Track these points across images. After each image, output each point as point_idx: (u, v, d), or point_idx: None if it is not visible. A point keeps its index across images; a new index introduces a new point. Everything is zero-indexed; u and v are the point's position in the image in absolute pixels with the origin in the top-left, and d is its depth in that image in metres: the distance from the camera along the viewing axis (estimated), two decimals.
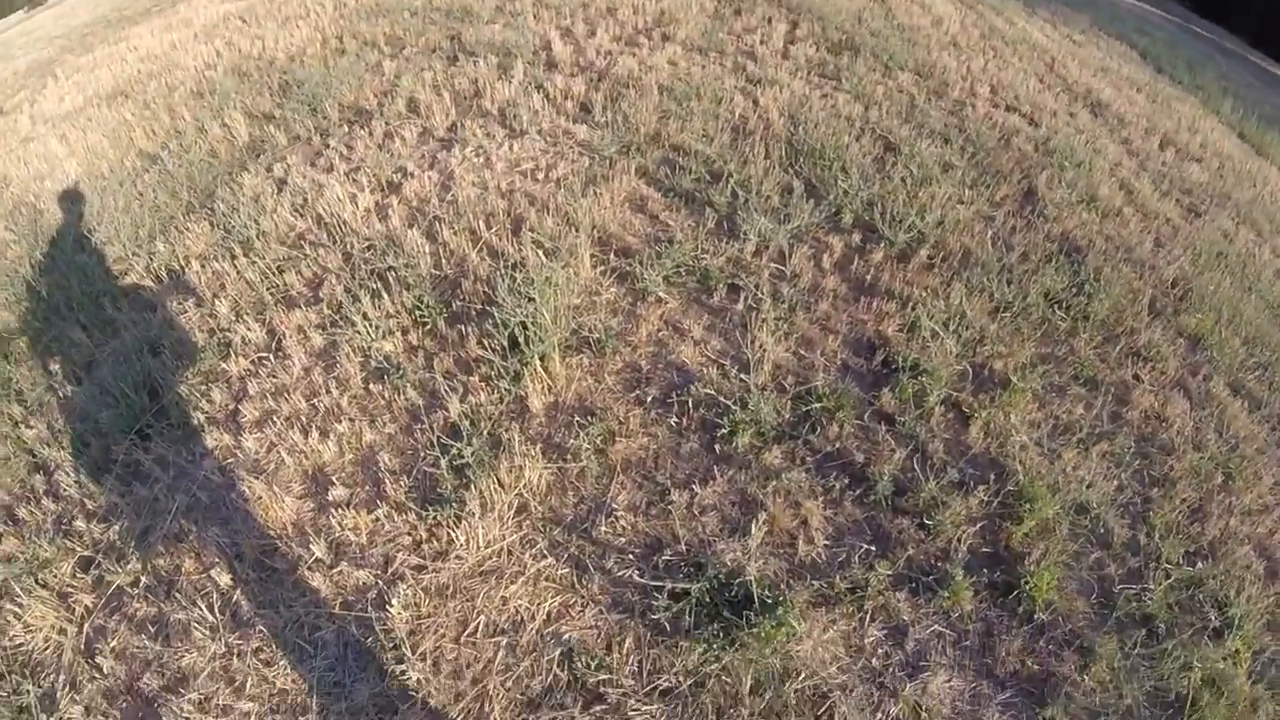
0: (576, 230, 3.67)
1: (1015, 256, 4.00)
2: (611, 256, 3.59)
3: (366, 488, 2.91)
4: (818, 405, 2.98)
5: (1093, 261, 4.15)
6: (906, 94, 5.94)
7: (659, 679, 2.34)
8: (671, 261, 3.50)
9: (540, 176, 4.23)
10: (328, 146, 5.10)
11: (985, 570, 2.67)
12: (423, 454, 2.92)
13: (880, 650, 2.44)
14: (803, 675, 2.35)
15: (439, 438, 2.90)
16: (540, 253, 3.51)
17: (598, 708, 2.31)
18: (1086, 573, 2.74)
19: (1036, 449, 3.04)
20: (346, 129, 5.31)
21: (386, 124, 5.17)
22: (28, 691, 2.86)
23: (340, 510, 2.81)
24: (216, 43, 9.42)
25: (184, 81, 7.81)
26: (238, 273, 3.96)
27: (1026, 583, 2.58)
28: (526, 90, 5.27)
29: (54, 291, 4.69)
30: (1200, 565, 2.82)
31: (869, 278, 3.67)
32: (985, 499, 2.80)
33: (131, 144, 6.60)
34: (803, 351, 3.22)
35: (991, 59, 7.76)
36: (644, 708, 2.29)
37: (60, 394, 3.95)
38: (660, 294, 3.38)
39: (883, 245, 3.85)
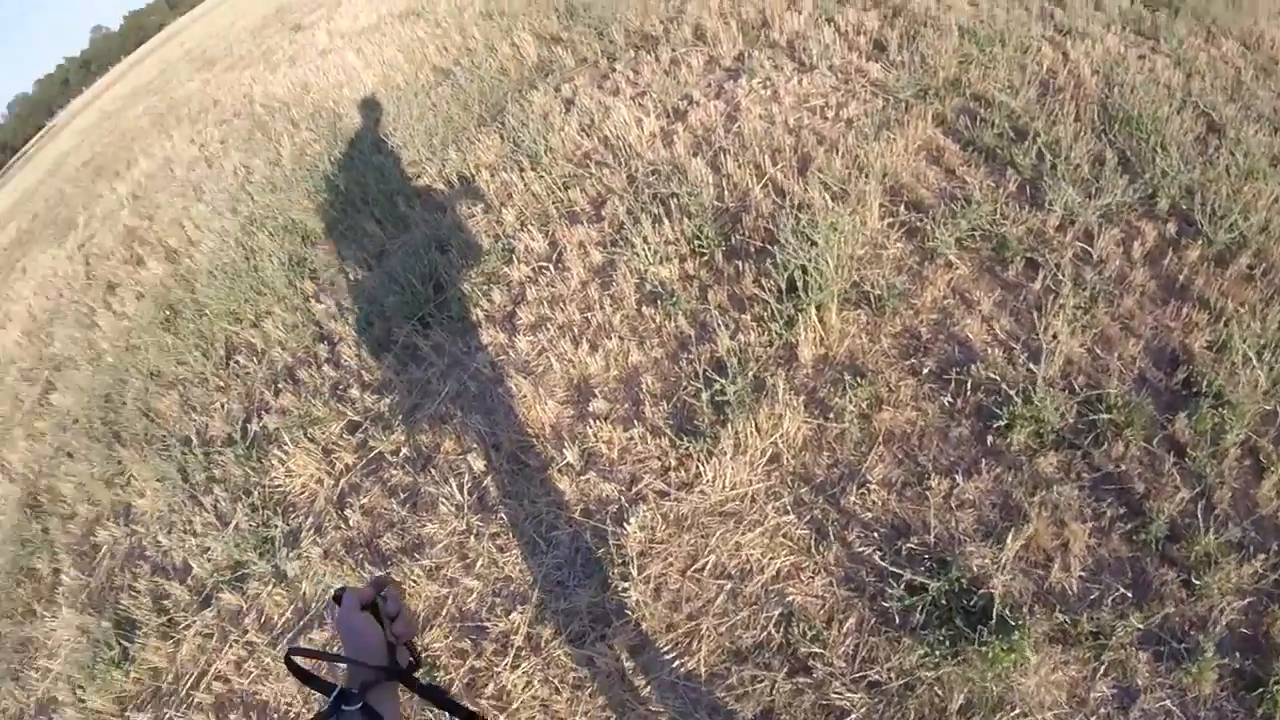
0: (866, 176, 3.47)
1: None
2: (901, 209, 3.38)
3: (626, 406, 2.99)
4: (1106, 416, 2.65)
5: None
6: (1232, 66, 5.10)
7: (870, 669, 2.24)
8: (966, 223, 3.23)
9: (830, 115, 4.05)
10: (614, 70, 5.20)
11: (1237, 654, 2.25)
12: (685, 384, 2.95)
13: (1103, 710, 2.17)
14: (1016, 710, 2.14)
15: (704, 370, 2.90)
16: (827, 195, 3.37)
17: (801, 679, 2.25)
18: None
19: None
20: (633, 54, 5.37)
21: (673, 50, 5.17)
22: (276, 526, 3.26)
23: (598, 422, 2.91)
24: None
25: (473, 2, 8.22)
26: (524, 185, 4.17)
27: (1276, 685, 2.15)
28: (816, 22, 5.05)
29: (351, 187, 5.16)
30: None
31: (1181, 278, 3.19)
32: (1260, 571, 2.36)
33: (425, 59, 7.08)
34: (1099, 350, 2.87)
35: None
36: (847, 694, 2.20)
37: (350, 277, 4.36)
38: (951, 257, 3.14)
39: (1200, 242, 3.33)
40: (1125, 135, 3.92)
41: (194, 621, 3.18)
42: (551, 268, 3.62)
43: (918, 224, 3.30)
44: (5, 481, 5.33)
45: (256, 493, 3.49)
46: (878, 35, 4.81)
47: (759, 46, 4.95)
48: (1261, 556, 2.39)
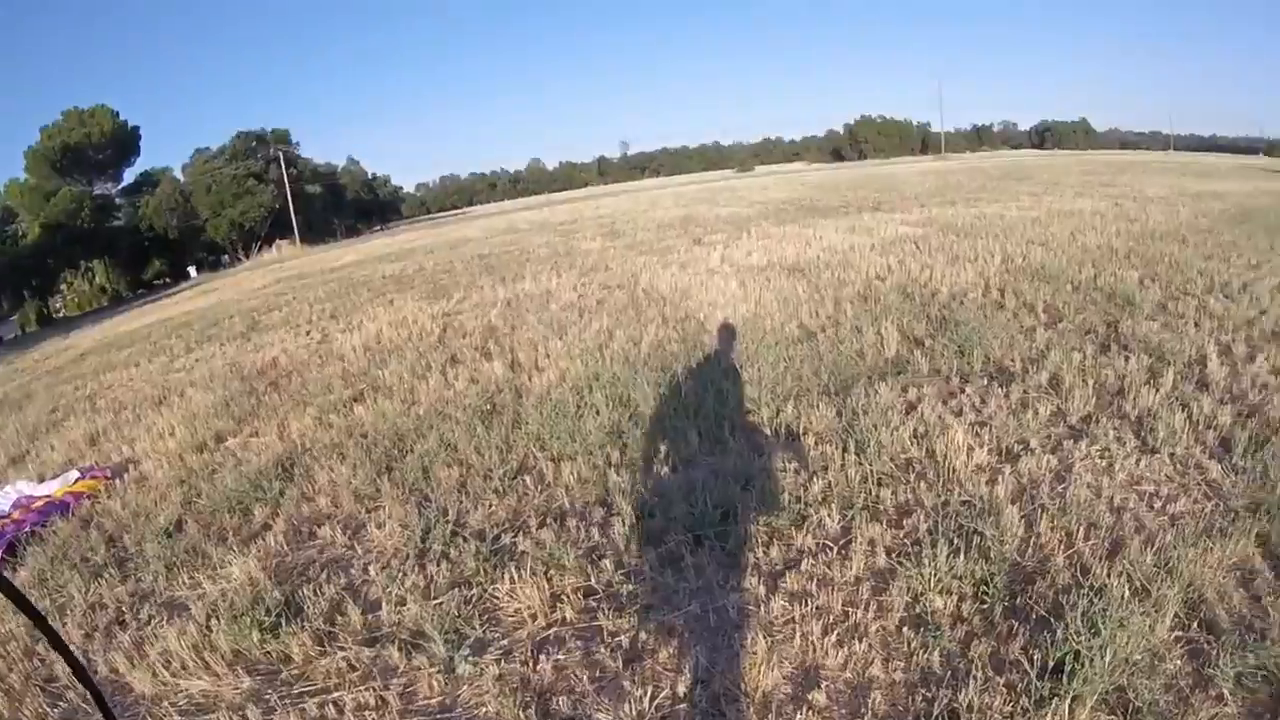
0: (1172, 580, 3.36)
1: None
2: (1194, 626, 3.21)
3: (844, 712, 2.96)
4: None
5: None
6: None
7: None
8: (1254, 659, 2.97)
9: (1157, 505, 4.03)
10: (963, 391, 5.53)
11: None
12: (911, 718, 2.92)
13: None
14: None
15: (936, 713, 2.86)
16: (1127, 589, 3.32)
17: None
18: None
19: None
20: (985, 381, 5.69)
21: (1025, 391, 5.42)
22: (475, 626, 3.59)
23: (812, 714, 2.90)
24: (890, 258, 10.89)
25: (854, 281, 9.18)
26: (842, 465, 4.49)
27: None
28: (1170, 404, 5.04)
29: (689, 394, 5.81)
30: None
31: None
32: None
33: (795, 315, 7.95)
34: None
35: None
36: None
37: (654, 469, 4.80)
38: (1225, 690, 2.88)
39: None
40: None
41: (351, 650, 3.47)
42: (835, 550, 3.77)
43: (1205, 647, 3.11)
44: (277, 440, 6.45)
45: (476, 589, 3.83)
46: (1227, 432, 4.71)
47: (1108, 414, 5.06)
48: None
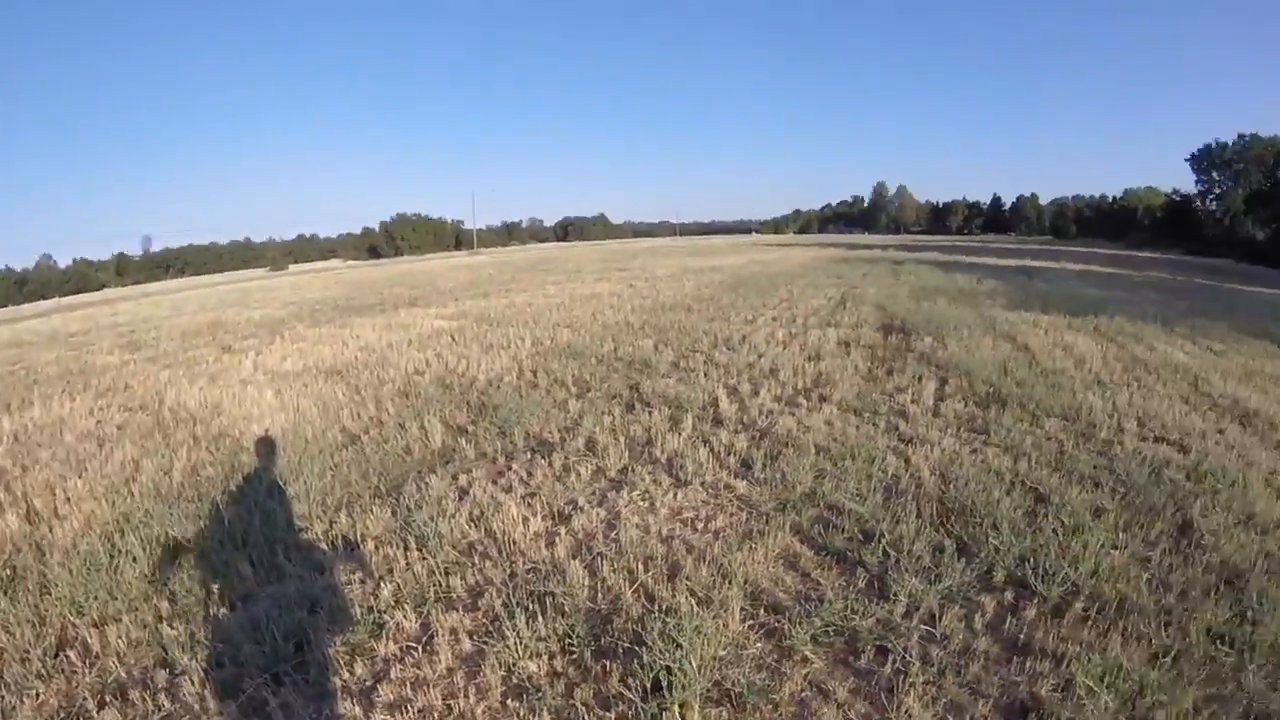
0: (729, 582, 3.85)
1: (1173, 596, 3.83)
2: (761, 611, 3.71)
3: None
4: None
5: (1255, 585, 3.89)
6: (1055, 440, 6.06)
7: None
8: (820, 620, 3.57)
9: (700, 526, 4.54)
10: (510, 469, 5.66)
11: None
12: None
13: None
14: None
15: None
16: (693, 601, 3.68)
17: None
18: None
19: None
20: (529, 456, 5.90)
21: (565, 458, 5.73)
22: None
23: None
24: (428, 352, 10.90)
25: (394, 379, 8.95)
26: (407, 564, 4.31)
27: None
28: (694, 443, 5.76)
29: (235, 523, 5.14)
30: None
31: (1022, 636, 3.57)
32: None
33: (337, 420, 7.45)
34: (951, 717, 3.10)
35: (1136, 390, 7.87)
36: None
37: (210, 611, 4.20)
38: (807, 653, 3.41)
39: (1035, 601, 3.80)
40: (961, 523, 4.50)
41: None
42: (420, 649, 3.63)
43: (776, 624, 3.60)
44: None
45: None
46: (745, 455, 5.52)
47: (642, 462, 5.59)
48: None
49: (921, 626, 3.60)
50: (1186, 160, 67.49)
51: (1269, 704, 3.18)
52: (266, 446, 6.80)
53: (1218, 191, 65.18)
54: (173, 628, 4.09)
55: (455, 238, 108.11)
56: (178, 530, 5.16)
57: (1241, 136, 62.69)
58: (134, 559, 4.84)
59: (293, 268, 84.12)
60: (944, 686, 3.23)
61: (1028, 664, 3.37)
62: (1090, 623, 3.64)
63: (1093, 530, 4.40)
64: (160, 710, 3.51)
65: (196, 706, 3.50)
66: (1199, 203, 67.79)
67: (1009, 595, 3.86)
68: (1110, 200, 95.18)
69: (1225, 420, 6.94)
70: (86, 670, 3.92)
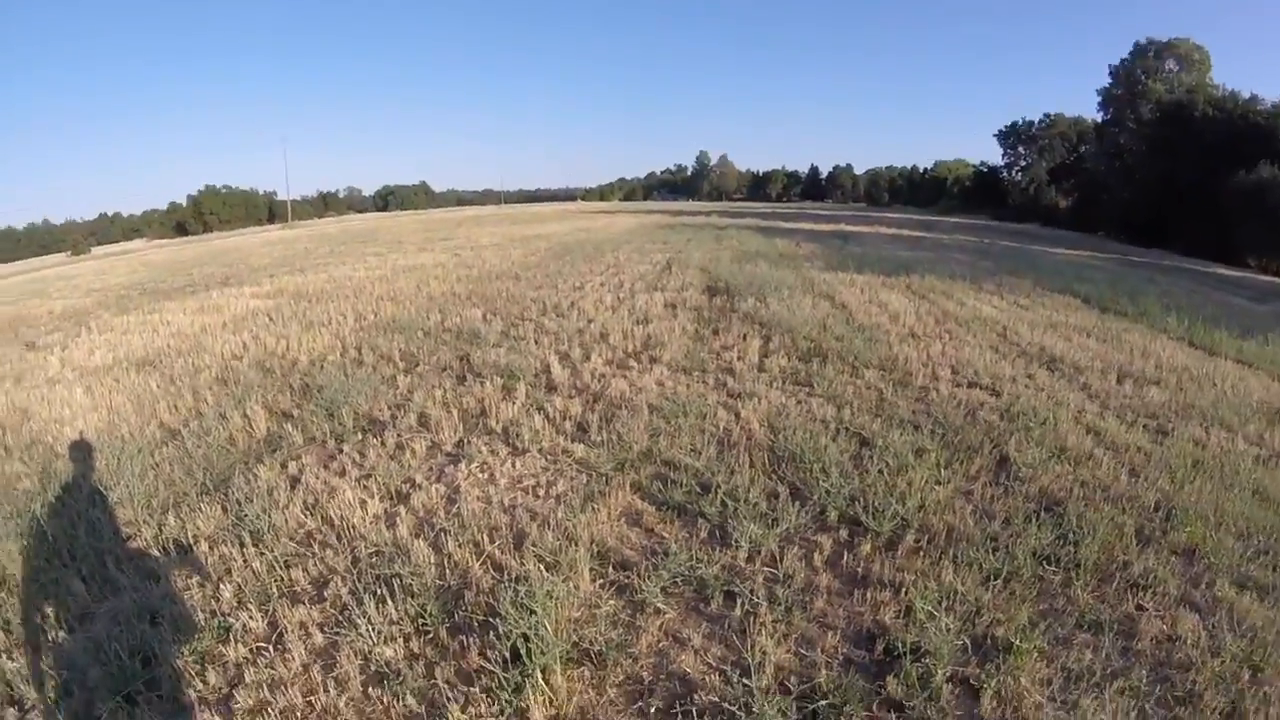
0: (576, 545, 3.90)
1: (998, 524, 4.20)
2: (610, 569, 3.79)
3: None
4: (824, 702, 2.99)
5: (1073, 510, 4.33)
6: (874, 389, 6.49)
7: None
8: (668, 573, 3.69)
9: (541, 493, 4.56)
10: (341, 451, 5.44)
11: None
12: None
13: None
14: None
15: None
16: (541, 566, 3.70)
17: None
18: None
19: (1052, 705, 3.01)
20: (360, 436, 5.70)
21: (398, 435, 5.57)
22: None
23: None
24: (244, 334, 10.26)
25: (210, 365, 8.40)
26: (245, 561, 4.08)
27: None
28: (529, 410, 5.78)
29: (59, 537, 4.73)
30: None
31: (860, 570, 3.83)
32: None
33: (154, 415, 6.95)
34: (803, 650, 3.28)
35: (948, 341, 8.54)
36: None
37: (50, 637, 3.89)
38: (659, 605, 3.52)
39: (869, 536, 4.07)
40: (793, 469, 4.75)
41: None
42: (271, 649, 3.49)
43: (625, 580, 3.70)
44: None
45: None
46: (581, 419, 5.60)
47: (477, 433, 5.52)
48: None
49: (765, 569, 3.78)
50: (994, 135, 73.14)
51: (1099, 614, 3.53)
52: (83, 451, 6.28)
53: (1023, 164, 70.86)
54: (12, 659, 3.75)
55: (269, 210, 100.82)
56: (2, 555, 4.76)
57: (1047, 115, 68.71)
58: None
59: (96, 250, 75.83)
60: (793, 623, 3.42)
61: (869, 595, 3.61)
62: (922, 553, 3.93)
63: (916, 469, 4.73)
64: None
65: None
66: (1005, 174, 73.58)
67: (844, 533, 4.12)
68: (922, 171, 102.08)
69: (1034, 366, 7.60)
70: None
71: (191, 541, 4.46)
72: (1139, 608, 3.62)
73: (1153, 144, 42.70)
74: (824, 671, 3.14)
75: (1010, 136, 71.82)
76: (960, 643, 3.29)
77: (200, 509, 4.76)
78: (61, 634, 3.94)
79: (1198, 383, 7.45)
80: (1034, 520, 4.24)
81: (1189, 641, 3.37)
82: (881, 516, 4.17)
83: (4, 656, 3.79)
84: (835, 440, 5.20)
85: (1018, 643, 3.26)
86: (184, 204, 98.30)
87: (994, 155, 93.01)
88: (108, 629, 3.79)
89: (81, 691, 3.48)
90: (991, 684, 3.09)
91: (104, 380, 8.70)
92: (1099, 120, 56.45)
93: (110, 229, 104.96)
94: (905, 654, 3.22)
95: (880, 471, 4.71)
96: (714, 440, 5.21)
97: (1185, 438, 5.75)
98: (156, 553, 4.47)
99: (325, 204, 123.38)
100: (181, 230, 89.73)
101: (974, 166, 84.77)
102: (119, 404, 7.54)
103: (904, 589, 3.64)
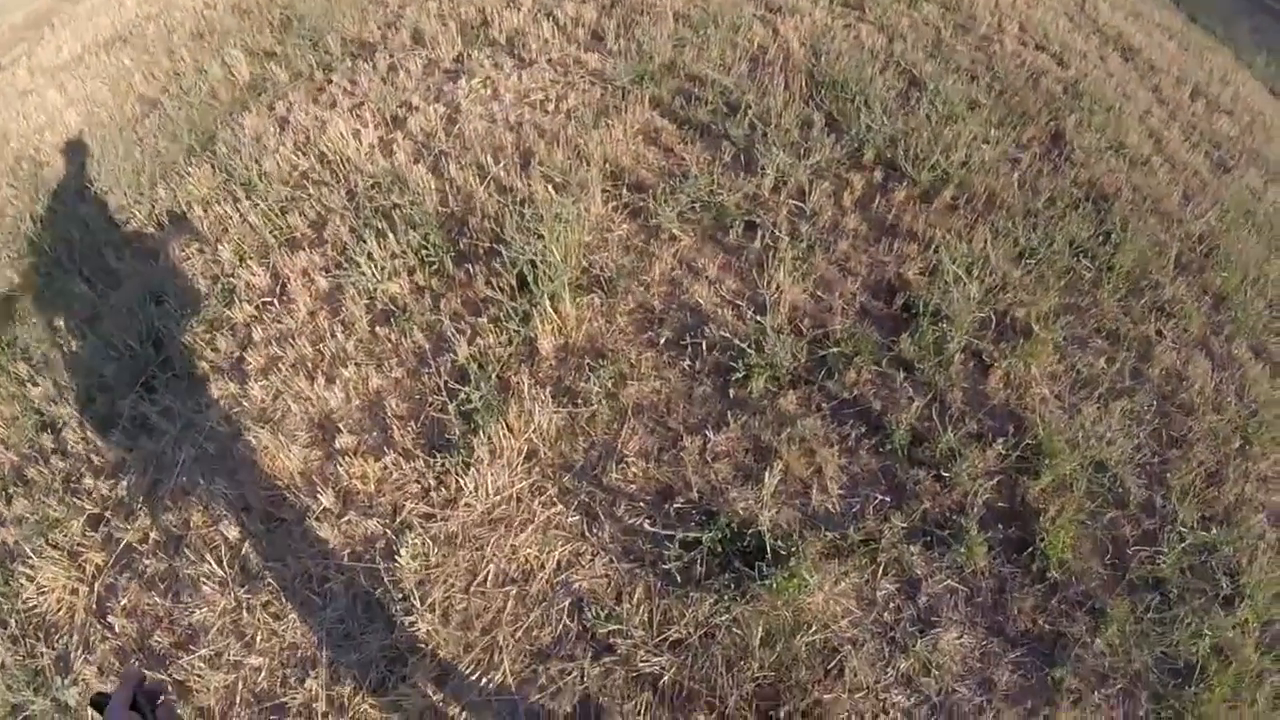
0: (588, 164, 3.52)
1: (1041, 201, 3.84)
2: (624, 191, 3.46)
3: (374, 434, 2.83)
4: (835, 350, 2.88)
5: (1119, 211, 3.97)
6: (932, 27, 5.66)
7: (669, 630, 2.31)
8: (686, 197, 3.37)
9: (550, 108, 4.07)
10: (330, 82, 4.93)
11: (1000, 525, 2.60)
12: (430, 399, 2.85)
13: (892, 605, 2.41)
14: (813, 628, 2.32)
15: (446, 382, 2.83)
16: (550, 188, 3.38)
17: (607, 659, 2.28)
18: (1101, 532, 2.67)
19: (1056, 402, 2.94)
20: (350, 63, 5.12)
21: (390, 56, 4.97)
22: (42, 654, 2.80)
23: (348, 458, 2.74)
24: None
25: (183, 22, 7.58)
26: (240, 216, 3.83)
27: (1041, 540, 2.52)
28: (535, 18, 5.04)
29: (56, 245, 4.58)
30: (1214, 531, 2.73)
31: (890, 218, 3.52)
32: (1003, 452, 2.72)
33: (131, 90, 6.43)
34: (820, 293, 3.11)
35: None
36: (654, 659, 2.26)
37: (65, 349, 3.84)
38: (674, 231, 3.26)
39: (905, 184, 3.70)
40: (831, 98, 4.20)
41: None
42: (276, 302, 3.36)
43: (640, 204, 3.39)
44: None
45: (14, 621, 2.97)
46: (595, 26, 4.88)
47: (478, 46, 4.87)
48: (1001, 440, 2.72)
49: (790, 202, 3.46)
50: None
51: (1120, 326, 3.29)
52: (68, 151, 5.85)
53: None
54: (37, 385, 3.70)
55: None
56: (3, 284, 4.59)
57: None
58: None
59: None
60: (813, 263, 3.19)
61: (896, 245, 3.34)
62: (958, 212, 3.59)
63: (966, 121, 4.20)
64: (59, 472, 3.29)
65: (85, 451, 3.29)
66: None
67: (879, 175, 3.72)
68: None
69: (1108, 48, 6.62)
70: None
71: (185, 209, 4.19)
72: (1159, 333, 3.39)
73: None
74: (839, 319, 3.01)
75: None
76: (981, 315, 3.09)
77: (190, 173, 4.42)
78: (76, 342, 3.85)
79: (1269, 133, 6.57)
80: (1079, 208, 3.85)
81: (1195, 387, 3.18)
82: (922, 165, 3.73)
83: (29, 384, 3.73)
84: (883, 74, 4.54)
85: (1037, 330, 3.08)
86: None
87: None
88: (116, 322, 3.71)
89: (103, 394, 3.44)
90: (1003, 364, 2.96)
91: (75, 73, 8.03)
92: None
93: None
94: (924, 314, 3.02)
95: (927, 117, 4.16)
96: (746, 56, 4.57)
97: (1244, 182, 5.12)
98: (152, 230, 4.26)
99: None
100: None
101: None
102: (93, 91, 6.95)
103: (934, 247, 3.34)
